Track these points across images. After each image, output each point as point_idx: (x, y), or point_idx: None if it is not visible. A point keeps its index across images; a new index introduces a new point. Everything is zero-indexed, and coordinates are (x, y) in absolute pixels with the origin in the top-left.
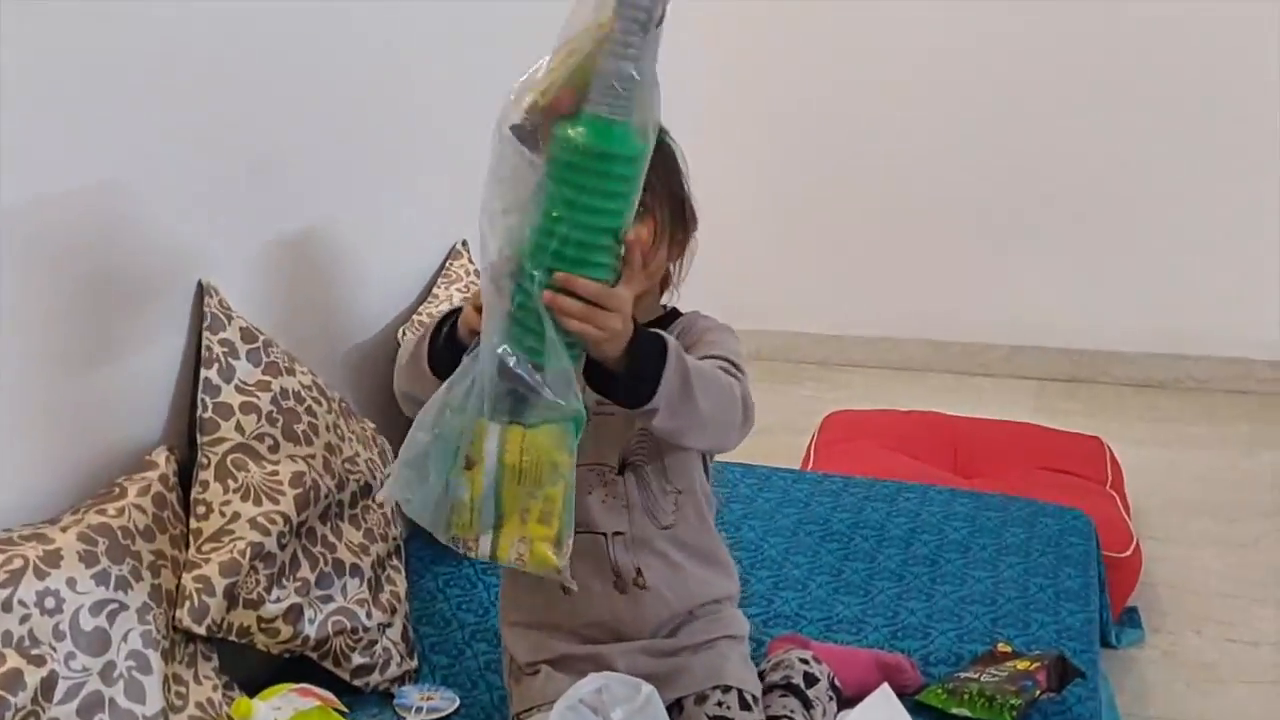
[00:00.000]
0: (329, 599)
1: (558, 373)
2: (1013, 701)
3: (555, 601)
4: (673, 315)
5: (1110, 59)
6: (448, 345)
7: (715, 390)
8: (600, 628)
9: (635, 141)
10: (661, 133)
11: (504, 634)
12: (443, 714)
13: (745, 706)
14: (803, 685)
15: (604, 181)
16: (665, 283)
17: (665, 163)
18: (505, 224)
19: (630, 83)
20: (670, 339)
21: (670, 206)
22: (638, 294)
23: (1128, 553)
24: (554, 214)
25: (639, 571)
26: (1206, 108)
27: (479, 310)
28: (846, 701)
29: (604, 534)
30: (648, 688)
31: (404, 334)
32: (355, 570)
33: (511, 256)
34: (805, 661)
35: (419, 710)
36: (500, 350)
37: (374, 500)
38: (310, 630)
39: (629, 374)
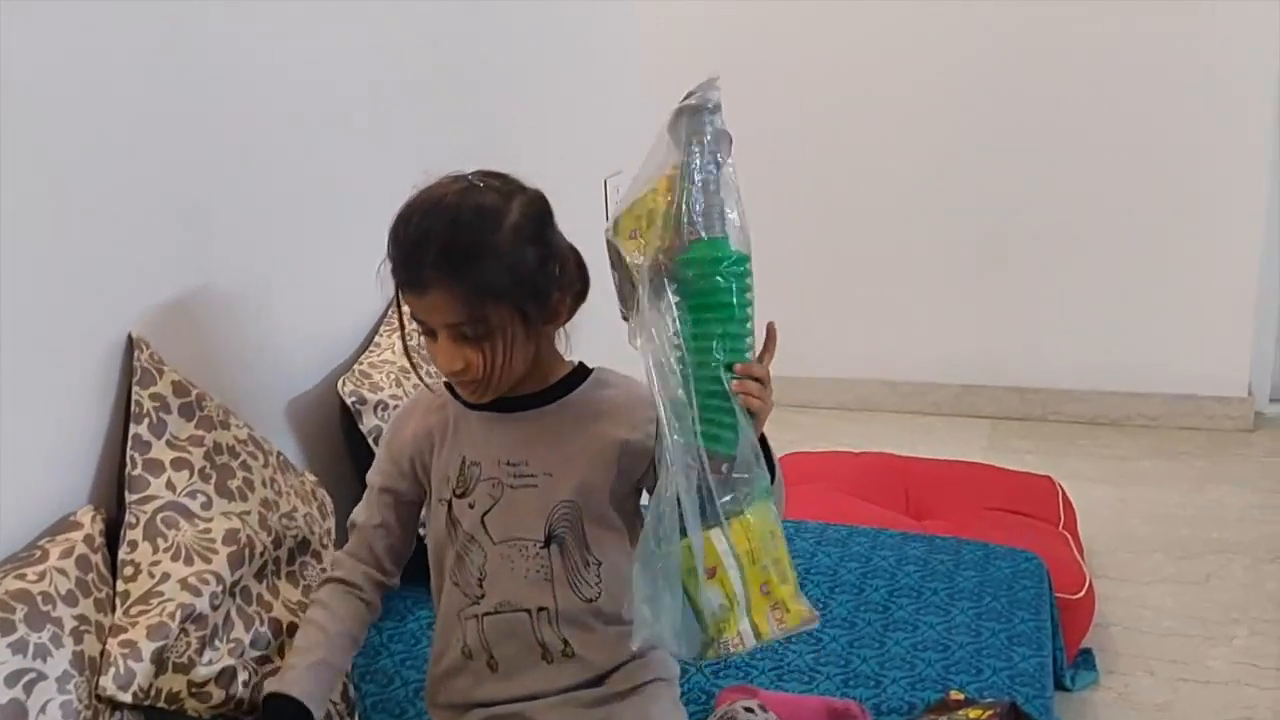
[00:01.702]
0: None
1: (745, 450)
2: None
3: (482, 681)
4: (581, 371)
5: (1058, 98)
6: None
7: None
8: (529, 696)
9: (738, 248)
10: (494, 237)
11: (430, 710)
12: None
13: None
14: None
15: (738, 280)
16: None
17: (499, 281)
18: (674, 355)
19: (718, 208)
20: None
21: (526, 313)
22: (531, 358)
23: (1081, 594)
24: (718, 318)
25: (565, 642)
26: (1154, 150)
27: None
28: None
29: (529, 610)
30: None
31: (342, 382)
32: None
33: (684, 373)
34: (750, 710)
35: None
36: (700, 459)
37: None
38: (244, 693)
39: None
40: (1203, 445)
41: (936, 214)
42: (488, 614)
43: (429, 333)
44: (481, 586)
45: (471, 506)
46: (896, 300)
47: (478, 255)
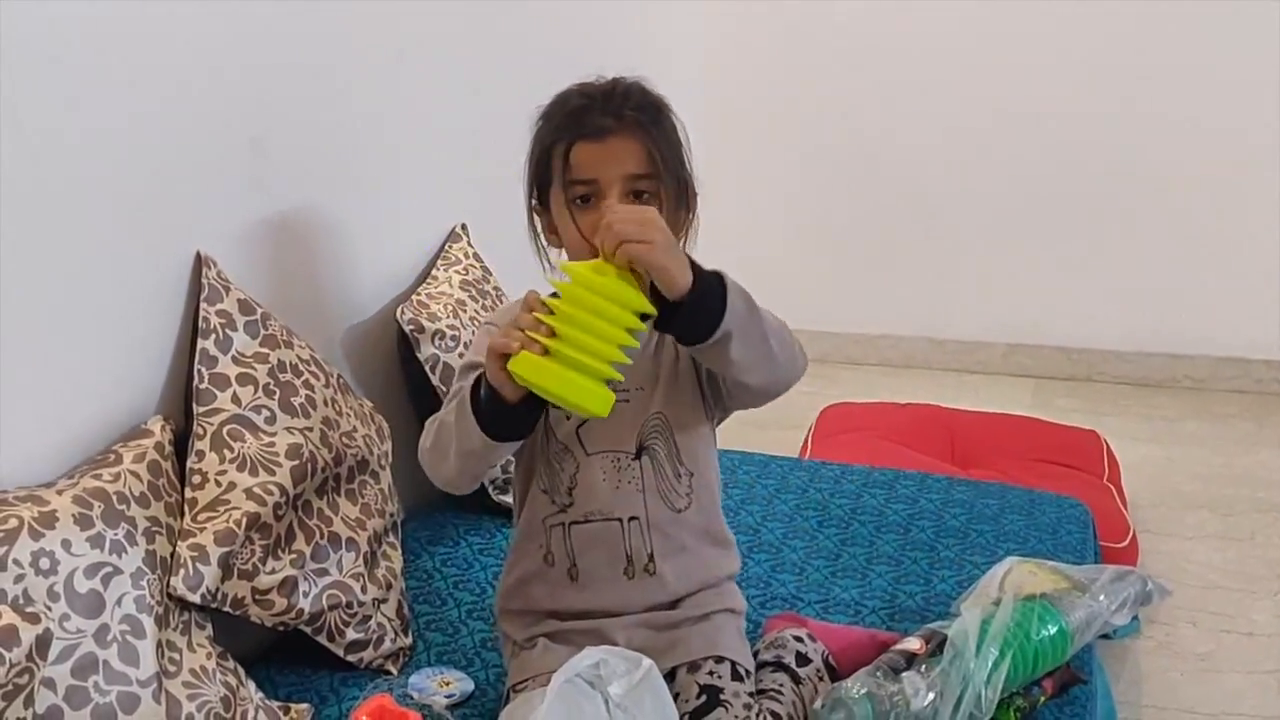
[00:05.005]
0: (324, 572)
1: None
2: (1019, 703)
3: (561, 592)
4: None
5: (1106, 61)
6: (494, 406)
7: (773, 321)
8: (603, 611)
9: None
10: (668, 111)
11: (500, 619)
12: (466, 696)
13: (737, 677)
14: (794, 664)
15: None
16: None
17: (672, 145)
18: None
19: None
20: (727, 276)
21: (676, 190)
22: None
23: (1124, 543)
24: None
25: (650, 557)
26: (1203, 109)
27: (498, 357)
28: (842, 679)
29: (620, 519)
30: (647, 662)
31: (401, 310)
32: (351, 544)
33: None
34: (800, 640)
35: (445, 695)
36: None
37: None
38: (305, 603)
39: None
40: (1251, 408)
41: (985, 175)
42: (575, 522)
43: (585, 199)
44: (571, 495)
45: (568, 417)
46: (944, 259)
47: (663, 113)
